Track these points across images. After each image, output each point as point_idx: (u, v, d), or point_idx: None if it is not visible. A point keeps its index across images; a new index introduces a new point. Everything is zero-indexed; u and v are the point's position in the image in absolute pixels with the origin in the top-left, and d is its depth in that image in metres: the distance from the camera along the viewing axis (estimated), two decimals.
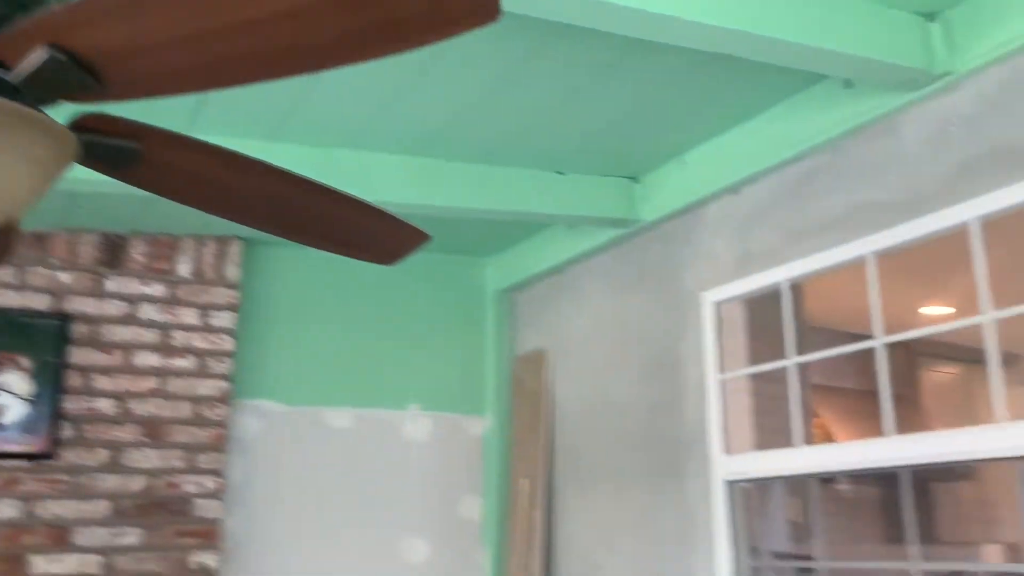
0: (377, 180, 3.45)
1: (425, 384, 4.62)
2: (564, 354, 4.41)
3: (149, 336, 4.07)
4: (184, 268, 4.22)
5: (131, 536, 3.85)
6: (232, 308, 4.24)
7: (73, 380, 3.89)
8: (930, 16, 2.63)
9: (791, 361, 3.17)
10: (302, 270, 4.49)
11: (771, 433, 3.33)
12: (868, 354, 2.92)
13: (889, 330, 2.86)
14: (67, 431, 3.83)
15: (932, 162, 2.71)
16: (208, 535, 3.97)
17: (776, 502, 3.54)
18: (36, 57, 1.20)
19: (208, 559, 3.94)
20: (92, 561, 3.76)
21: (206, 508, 4.00)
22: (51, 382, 3.82)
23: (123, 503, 3.87)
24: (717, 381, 3.41)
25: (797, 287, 3.31)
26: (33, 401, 3.77)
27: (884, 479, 3.20)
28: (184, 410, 4.05)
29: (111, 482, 3.87)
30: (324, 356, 4.45)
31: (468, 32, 1.17)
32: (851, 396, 5.27)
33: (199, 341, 4.14)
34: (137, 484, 3.90)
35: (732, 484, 3.29)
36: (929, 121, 2.74)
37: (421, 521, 4.43)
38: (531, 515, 4.29)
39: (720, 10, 2.33)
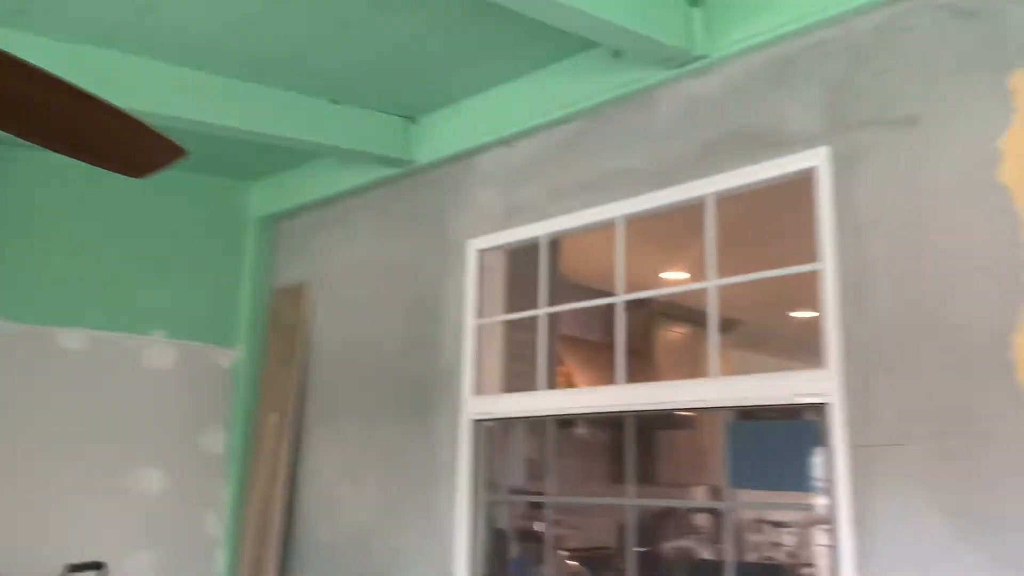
0: (133, 86, 3.19)
1: (172, 310, 4.38)
2: (326, 289, 4.36)
3: None
4: None
5: None
6: None
7: None
8: (694, 1, 2.84)
9: (542, 311, 3.35)
10: (40, 176, 4.05)
11: (519, 378, 3.52)
12: (612, 310, 3.16)
13: (632, 290, 3.11)
14: None
15: (680, 138, 2.95)
16: None
17: (517, 442, 3.76)
18: None
19: None
20: None
21: None
22: None
23: None
24: (474, 325, 3.53)
25: (555, 243, 3.50)
26: None
27: (616, 425, 3.50)
28: None
29: None
30: (58, 271, 4.07)
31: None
32: (595, 348, 5.65)
33: None
34: None
35: (478, 423, 3.45)
36: (682, 100, 2.97)
37: (159, 452, 4.23)
38: (278, 449, 4.24)
39: None
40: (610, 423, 5.25)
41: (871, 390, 2.35)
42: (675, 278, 5.32)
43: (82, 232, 4.18)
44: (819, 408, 2.46)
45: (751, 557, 5.22)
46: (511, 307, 3.58)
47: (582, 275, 4.98)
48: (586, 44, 3.08)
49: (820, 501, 2.46)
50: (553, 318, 3.44)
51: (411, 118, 3.82)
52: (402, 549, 3.62)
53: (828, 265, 2.49)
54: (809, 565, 4.64)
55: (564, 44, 3.08)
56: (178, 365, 4.35)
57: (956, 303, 2.24)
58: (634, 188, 3.06)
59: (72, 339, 4.08)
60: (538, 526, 3.88)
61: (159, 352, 4.31)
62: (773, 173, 2.68)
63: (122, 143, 1.84)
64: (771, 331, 6.59)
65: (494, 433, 3.51)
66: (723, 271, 2.82)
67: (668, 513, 5.39)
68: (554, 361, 3.70)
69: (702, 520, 5.71)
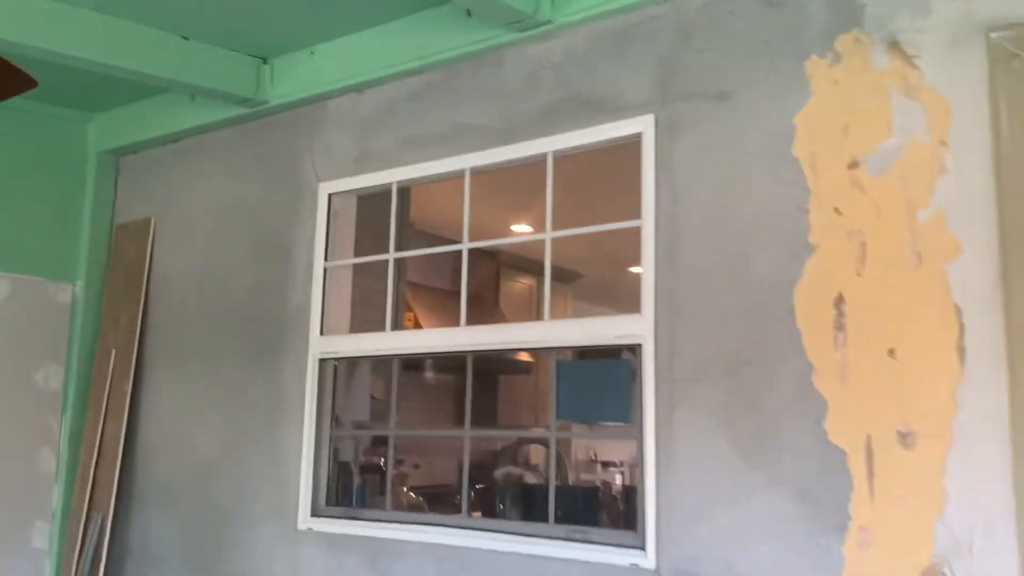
0: None
1: (7, 243, 4.21)
2: (171, 227, 4.31)
3: None
4: None
5: None
6: None
7: None
8: None
9: (391, 256, 3.50)
10: None
11: (366, 323, 3.66)
12: (460, 259, 3.35)
13: (482, 241, 3.31)
14: None
15: (525, 98, 3.15)
16: None
17: (361, 380, 3.92)
18: None
19: None
20: None
21: None
22: None
23: None
24: (323, 268, 3.63)
25: (404, 191, 3.63)
26: None
27: (460, 369, 3.69)
28: None
29: None
30: None
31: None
32: (443, 296, 5.85)
33: None
34: None
35: (324, 362, 3.57)
36: (528, 62, 3.17)
37: None
38: (118, 386, 4.21)
39: None
40: (455, 368, 5.49)
41: (677, 333, 2.67)
42: (522, 231, 5.57)
43: None
44: (635, 349, 2.76)
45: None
46: (360, 252, 3.70)
47: (432, 224, 5.15)
48: (440, 0, 3.20)
49: (632, 430, 2.77)
50: (401, 264, 3.59)
51: (264, 59, 3.83)
52: (247, 481, 3.72)
53: (648, 223, 2.78)
54: (625, 488, 5.09)
55: None
56: (12, 299, 4.21)
57: (754, 259, 2.57)
58: (482, 142, 3.23)
59: None
60: (382, 461, 4.08)
61: None
62: (606, 136, 2.93)
63: None
64: (610, 284, 7.00)
65: (340, 372, 3.65)
66: (563, 225, 3.06)
67: (505, 451, 5.71)
68: (400, 305, 3.87)
69: (538, 456, 6.08)
